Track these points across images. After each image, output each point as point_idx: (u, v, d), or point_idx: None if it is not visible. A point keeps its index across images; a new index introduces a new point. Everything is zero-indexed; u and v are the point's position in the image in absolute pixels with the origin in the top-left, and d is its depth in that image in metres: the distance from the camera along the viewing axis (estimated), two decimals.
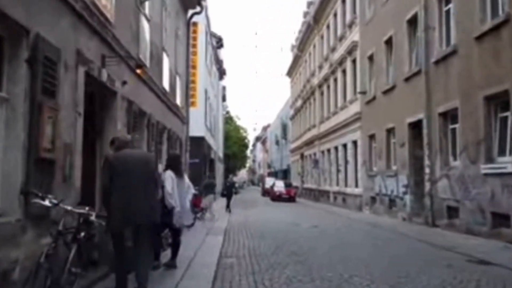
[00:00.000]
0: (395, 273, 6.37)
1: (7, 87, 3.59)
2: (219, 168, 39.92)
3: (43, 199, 3.45)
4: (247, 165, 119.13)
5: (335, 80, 24.85)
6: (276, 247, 8.96)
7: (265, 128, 79.67)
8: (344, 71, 23.07)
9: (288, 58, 41.55)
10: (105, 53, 5.58)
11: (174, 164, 6.40)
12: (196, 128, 20.10)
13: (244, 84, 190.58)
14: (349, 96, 21.95)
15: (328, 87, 26.59)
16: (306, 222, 14.47)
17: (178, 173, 6.40)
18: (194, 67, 16.80)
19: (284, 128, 48.11)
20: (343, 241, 9.93)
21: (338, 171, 24.00)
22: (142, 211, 4.44)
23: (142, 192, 4.45)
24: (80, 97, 4.75)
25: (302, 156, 35.87)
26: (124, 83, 6.45)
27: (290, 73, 43.07)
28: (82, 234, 4.08)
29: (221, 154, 43.56)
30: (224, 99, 47.58)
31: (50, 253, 3.39)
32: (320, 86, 28.73)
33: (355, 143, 20.92)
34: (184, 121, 13.61)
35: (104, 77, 5.45)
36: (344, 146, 22.71)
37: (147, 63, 8.04)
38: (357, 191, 20.14)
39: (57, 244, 3.50)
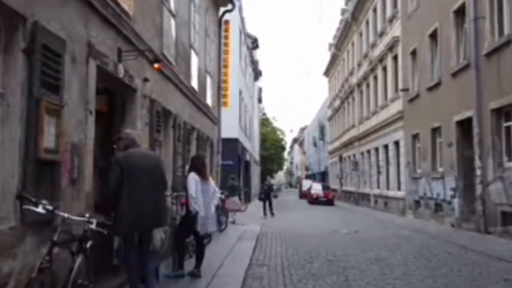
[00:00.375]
0: None
1: (2, 80, 3.23)
2: (255, 170, 39.53)
3: (36, 204, 3.06)
4: (285, 167, 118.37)
5: (375, 78, 23.78)
6: (311, 256, 8.33)
7: (302, 130, 78.63)
8: (384, 68, 22.00)
9: (326, 57, 40.63)
10: (122, 47, 5.21)
11: (198, 166, 5.95)
12: (230, 130, 19.73)
13: (281, 85, 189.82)
14: (390, 94, 20.86)
15: (368, 85, 25.53)
16: (344, 228, 13.69)
17: (203, 176, 5.95)
18: (226, 66, 16.42)
19: (322, 129, 47.06)
20: (385, 250, 9.13)
21: (379, 173, 22.91)
22: (153, 215, 4.28)
23: (152, 195, 4.28)
24: (91, 94, 4.37)
25: (340, 157, 34.82)
26: (145, 80, 6.08)
27: (327, 72, 42.06)
28: (89, 243, 3.68)
29: (257, 157, 43.18)
30: (260, 100, 47.18)
31: (44, 267, 3.00)
32: (359, 85, 27.68)
33: (397, 143, 19.83)
34: (216, 121, 13.21)
35: (121, 72, 5.08)
36: (385, 147, 21.63)
37: (172, 60, 7.66)
38: (400, 194, 19.05)
39: (51, 256, 3.09)
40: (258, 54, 40.17)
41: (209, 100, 11.87)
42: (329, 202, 28.72)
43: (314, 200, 29.18)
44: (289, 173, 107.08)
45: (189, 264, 6.30)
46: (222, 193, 12.81)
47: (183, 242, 6.02)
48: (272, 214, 18.25)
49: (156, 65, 5.32)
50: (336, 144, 36.63)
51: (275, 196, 29.67)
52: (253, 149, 35.82)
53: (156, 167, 4.50)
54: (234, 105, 20.37)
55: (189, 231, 5.94)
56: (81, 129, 4.18)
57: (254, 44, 34.28)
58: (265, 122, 55.10)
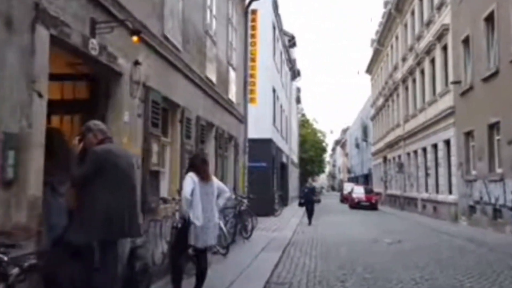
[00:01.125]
0: None
1: None
2: (293, 173, 38.11)
3: None
4: (327, 170, 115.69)
5: (422, 71, 21.83)
6: (344, 272, 7.02)
7: (344, 131, 76.15)
8: (432, 61, 20.07)
9: (368, 54, 38.64)
10: (98, 18, 4.24)
11: (196, 165, 4.89)
12: (262, 130, 18.64)
13: (321, 86, 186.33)
14: (439, 88, 18.92)
15: (414, 80, 23.56)
16: (387, 236, 12.16)
17: (203, 176, 4.87)
18: (253, 60, 15.31)
19: (365, 129, 44.88)
20: (435, 265, 7.63)
21: (427, 175, 20.93)
22: (126, 223, 3.62)
23: (128, 199, 3.70)
24: (41, 71, 3.40)
25: (385, 159, 32.76)
26: (136, 63, 5.09)
27: (370, 70, 40.00)
28: (14, 270, 2.71)
29: (295, 159, 41.77)
30: (298, 101, 45.73)
31: None
32: (404, 80, 25.71)
33: (447, 142, 17.88)
34: (242, 120, 12.13)
35: (94, 49, 4.10)
36: (434, 146, 19.67)
37: (179, 45, 6.65)
38: (451, 198, 17.11)
39: None
40: (296, 52, 38.84)
41: (233, 96, 10.82)
42: (372, 206, 26.84)
43: (355, 205, 27.42)
44: (332, 176, 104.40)
45: (189, 284, 5.22)
46: (248, 197, 11.76)
47: (177, 259, 4.94)
48: (310, 222, 15.63)
49: (134, 38, 4.31)
50: (380, 145, 34.57)
51: (318, 201, 26.54)
52: (291, 150, 34.50)
53: (131, 167, 3.93)
54: (267, 104, 19.23)
55: (185, 246, 4.86)
56: (22, 115, 3.21)
57: (291, 42, 32.98)
58: (304, 123, 53.52)
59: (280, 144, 24.30)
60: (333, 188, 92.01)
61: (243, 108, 12.34)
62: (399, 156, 27.04)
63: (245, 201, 10.50)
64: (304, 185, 17.81)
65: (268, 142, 19.29)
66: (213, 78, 8.81)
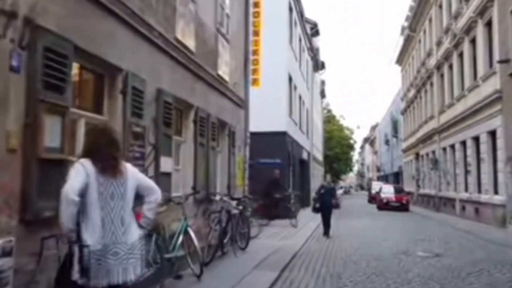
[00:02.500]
0: None
1: None
2: (317, 171, 35.65)
3: None
4: (355, 168, 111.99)
5: (460, 54, 19.12)
6: None
7: (373, 128, 72.75)
8: (473, 41, 17.38)
9: (397, 45, 35.68)
10: None
11: (97, 147, 2.89)
12: (276, 121, 16.58)
13: (348, 80, 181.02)
14: (481, 71, 16.25)
15: (451, 66, 20.83)
16: (421, 246, 9.83)
17: (107, 167, 2.87)
18: (256, 33, 13.03)
19: (395, 124, 41.86)
20: None
21: (466, 172, 18.23)
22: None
23: None
24: None
25: (417, 155, 29.97)
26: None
27: (400, 60, 37.03)
28: None
29: (320, 156, 39.33)
30: (323, 95, 43.16)
31: None
32: (439, 67, 22.96)
33: (492, 133, 15.23)
34: (242, 104, 10.05)
35: None
36: (476, 139, 16.99)
37: None
38: (498, 199, 14.47)
39: None
40: (320, 43, 36.39)
41: (225, 74, 8.76)
42: (402, 207, 24.20)
43: (384, 205, 24.82)
44: (360, 174, 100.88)
45: None
46: (247, 198, 9.69)
47: None
48: (326, 234, 11.91)
49: None
50: (412, 140, 31.73)
51: (337, 206, 19.68)
52: (314, 147, 32.15)
53: None
54: (282, 93, 17.08)
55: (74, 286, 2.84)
56: None
57: (313, 30, 30.65)
58: (330, 119, 50.88)
59: (299, 139, 22.07)
60: (361, 187, 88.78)
61: (244, 91, 10.26)
62: (433, 152, 24.29)
63: (242, 203, 8.41)
64: (322, 185, 13.29)
65: (282, 135, 17.15)
66: (190, 44, 6.78)
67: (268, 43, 14.24)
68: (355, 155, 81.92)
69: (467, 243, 10.93)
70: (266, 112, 16.73)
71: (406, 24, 32.91)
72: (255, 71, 13.39)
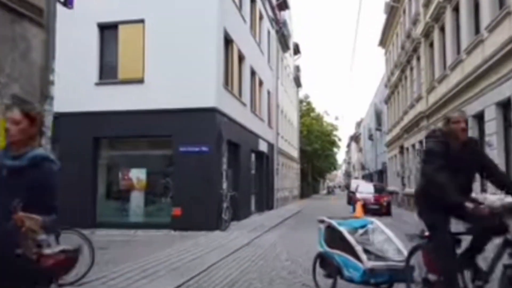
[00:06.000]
0: None
1: None
2: (287, 168, 30.74)
3: None
4: (343, 167, 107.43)
5: (456, 8, 14.41)
6: None
7: (358, 124, 68.32)
8: None
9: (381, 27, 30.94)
10: None
11: None
12: (200, 93, 11.85)
13: (333, 78, 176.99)
14: (486, 19, 11.49)
15: (442, 28, 16.14)
16: None
17: None
18: None
19: (378, 116, 37.25)
20: None
21: None
22: None
23: None
24: None
25: (401, 149, 25.34)
26: None
27: (384, 40, 32.40)
28: None
29: (294, 152, 34.52)
30: (298, 83, 38.34)
31: None
32: (427, 33, 18.27)
33: (503, 105, 10.53)
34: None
35: None
36: (478, 117, 12.28)
37: None
38: None
39: None
40: (294, 24, 31.62)
41: None
42: (382, 210, 19.43)
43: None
44: (347, 174, 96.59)
45: None
46: None
47: None
48: None
49: None
50: (396, 130, 27.13)
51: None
52: (282, 139, 27.34)
53: None
54: (208, 51, 12.20)
55: None
56: None
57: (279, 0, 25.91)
58: (310, 112, 46.22)
59: (251, 126, 17.19)
60: (347, 187, 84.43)
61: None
62: (420, 142, 19.61)
63: None
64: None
65: (210, 113, 12.22)
66: None
67: None
68: (342, 154, 77.31)
69: None
70: (186, 79, 11.95)
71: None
72: None
